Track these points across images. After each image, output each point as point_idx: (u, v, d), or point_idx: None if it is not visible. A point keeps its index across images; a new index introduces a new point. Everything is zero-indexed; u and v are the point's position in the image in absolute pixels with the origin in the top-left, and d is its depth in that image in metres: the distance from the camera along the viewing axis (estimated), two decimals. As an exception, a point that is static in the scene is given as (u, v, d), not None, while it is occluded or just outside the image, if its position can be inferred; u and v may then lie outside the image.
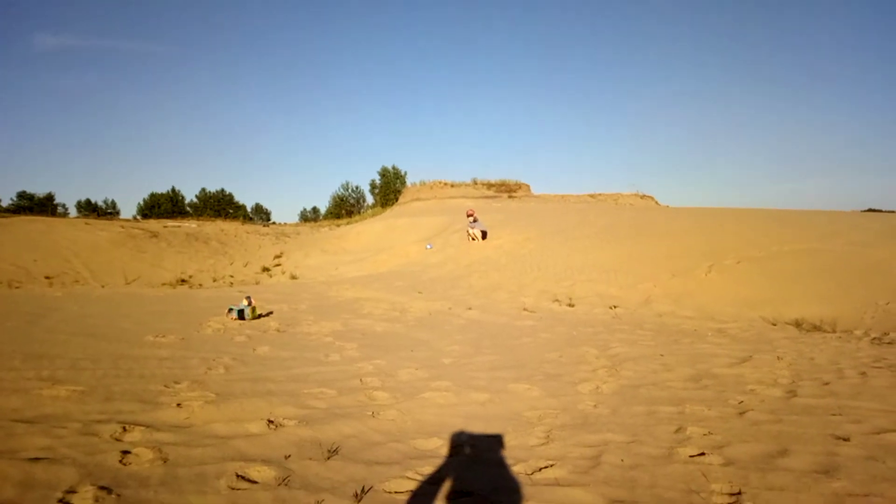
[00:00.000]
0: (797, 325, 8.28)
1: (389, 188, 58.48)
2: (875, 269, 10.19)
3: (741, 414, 3.98)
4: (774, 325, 8.44)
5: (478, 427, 3.78)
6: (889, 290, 9.24)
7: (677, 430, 3.63)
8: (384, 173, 61.11)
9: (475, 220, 18.82)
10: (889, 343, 6.87)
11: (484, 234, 18.57)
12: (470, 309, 9.94)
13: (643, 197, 42.11)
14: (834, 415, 3.91)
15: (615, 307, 10.10)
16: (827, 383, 4.85)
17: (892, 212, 39.34)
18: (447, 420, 3.90)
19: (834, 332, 7.83)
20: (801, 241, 12.41)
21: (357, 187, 66.60)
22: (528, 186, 42.24)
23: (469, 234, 18.81)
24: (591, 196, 42.01)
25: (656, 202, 41.98)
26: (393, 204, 45.57)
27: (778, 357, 6.02)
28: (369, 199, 63.25)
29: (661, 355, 6.16)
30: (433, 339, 7.32)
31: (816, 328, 8.06)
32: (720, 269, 11.21)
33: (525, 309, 10.04)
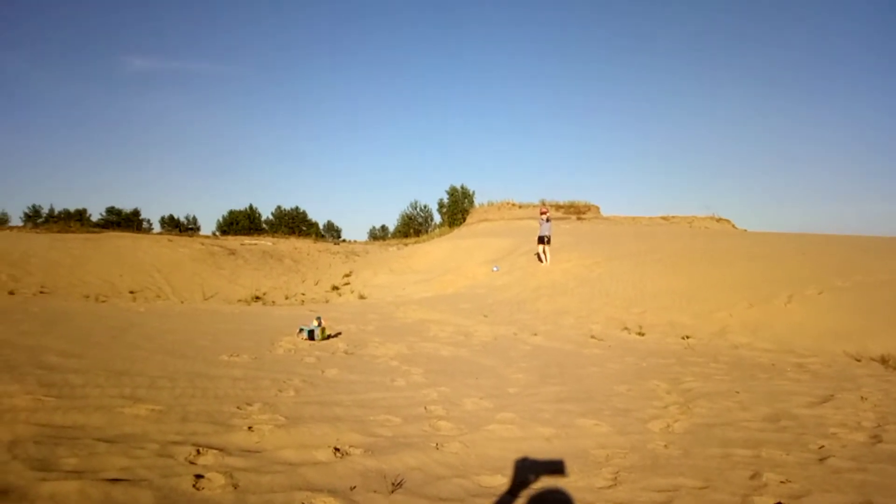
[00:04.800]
0: (883, 361, 7.79)
1: (457, 207, 58.90)
2: (974, 304, 9.49)
3: (821, 460, 3.78)
4: (859, 360, 7.97)
5: (543, 465, 3.72)
6: None
7: (753, 476, 3.48)
8: (452, 192, 61.64)
9: (548, 220, 18.56)
10: None
11: (548, 240, 18.31)
12: (536, 335, 9.85)
13: (719, 220, 40.77)
14: (926, 466, 3.66)
15: (688, 337, 9.78)
16: (918, 429, 4.55)
17: None
18: (511, 455, 3.86)
19: (927, 371, 7.33)
20: (887, 272, 11.71)
21: (425, 206, 67.43)
22: (597, 208, 41.67)
23: (538, 255, 18.65)
24: (664, 218, 41.02)
25: (733, 226, 40.55)
26: (460, 223, 45.84)
27: (862, 397, 5.69)
28: (437, 219, 63.87)
29: (737, 392, 5.92)
30: (498, 365, 7.28)
31: (907, 366, 7.57)
32: (801, 299, 10.69)
33: (593, 336, 9.86)
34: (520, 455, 3.88)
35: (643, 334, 10.13)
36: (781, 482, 3.38)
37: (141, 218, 70.32)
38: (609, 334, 10.14)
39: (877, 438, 4.29)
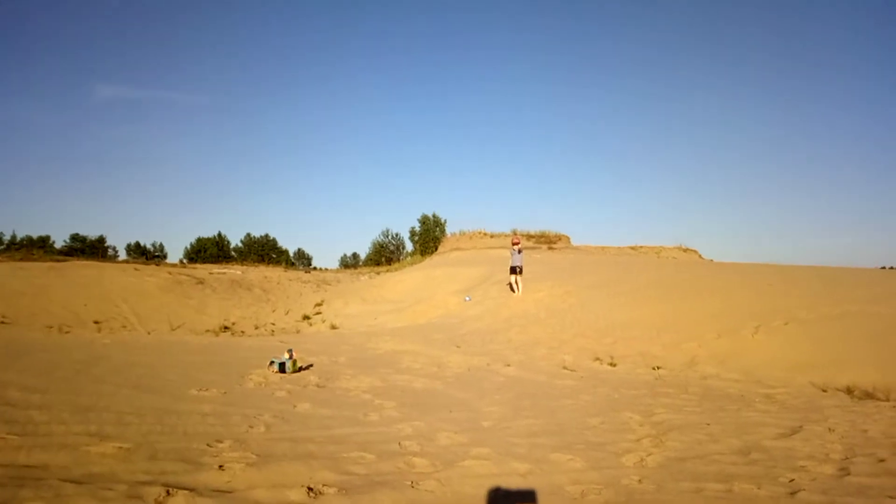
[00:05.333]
0: (849, 392, 7.96)
1: (429, 236, 59.02)
2: (933, 334, 9.77)
3: (792, 494, 3.83)
4: (825, 391, 8.14)
5: (518, 502, 3.71)
6: (948, 357, 8.84)
7: (726, 512, 3.51)
8: (424, 221, 61.79)
9: (519, 251, 18.67)
10: (950, 416, 6.55)
11: (520, 270, 18.40)
12: (509, 365, 9.86)
13: (686, 250, 41.56)
14: (890, 497, 3.74)
15: (658, 368, 9.89)
16: (882, 460, 4.64)
17: (949, 269, 37.87)
18: (488, 492, 3.84)
19: (888, 400, 7.49)
20: (851, 303, 12.01)
21: (397, 234, 67.47)
22: (567, 238, 42.15)
23: (510, 285, 18.74)
24: (633, 248, 41.68)
25: (700, 256, 41.33)
26: (432, 252, 45.91)
27: (829, 428, 5.80)
28: (409, 247, 63.88)
29: (708, 424, 5.99)
30: (472, 398, 7.26)
31: (869, 396, 7.73)
32: (768, 331, 10.90)
33: (565, 367, 9.91)
34: (496, 491, 3.86)
35: (615, 365, 10.21)
36: (754, 517, 3.41)
37: (106, 245, 69.00)
38: (581, 365, 10.20)
39: (845, 471, 4.37)
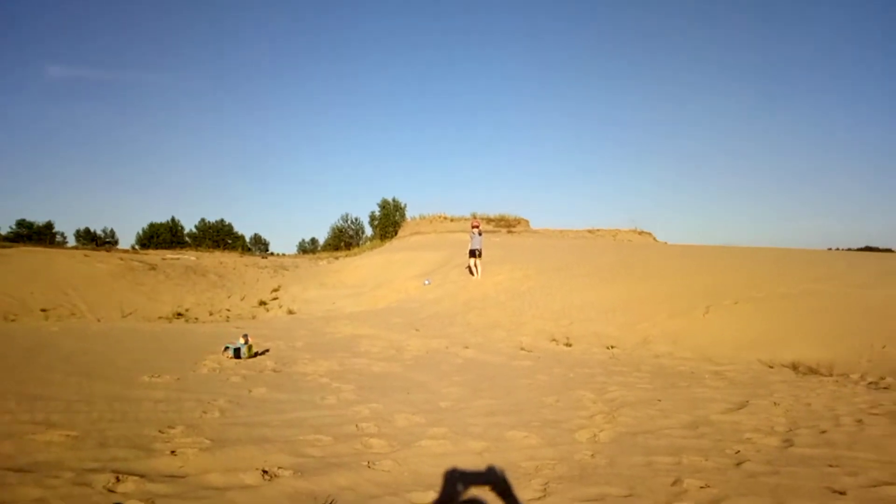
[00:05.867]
0: (794, 367, 8.26)
1: (389, 220, 58.71)
2: (872, 312, 10.19)
3: (738, 465, 3.96)
4: (771, 367, 8.42)
5: (475, 479, 3.75)
6: (886, 333, 9.23)
7: (674, 483, 3.61)
8: (384, 205, 61.40)
9: (479, 233, 18.74)
10: (885, 388, 6.85)
11: (479, 253, 18.50)
12: (467, 348, 9.93)
13: (641, 233, 42.32)
14: (831, 466, 3.89)
15: (613, 347, 10.09)
16: (824, 431, 4.83)
17: (889, 250, 39.55)
18: (444, 471, 3.87)
19: (830, 375, 7.80)
20: (798, 283, 12.43)
21: (356, 219, 66.90)
22: (527, 221, 42.46)
23: (470, 268, 18.82)
24: (590, 231, 42.24)
25: (654, 238, 42.15)
26: (392, 237, 45.76)
27: (775, 403, 6.00)
28: (368, 231, 63.49)
29: (659, 400, 6.14)
30: (430, 380, 7.30)
31: (813, 371, 8.04)
32: (718, 310, 11.21)
33: (522, 348, 10.02)
34: (452, 470, 3.89)
35: (570, 345, 10.38)
36: (701, 487, 3.52)
37: (54, 231, 66.72)
38: (538, 346, 10.34)
39: (788, 442, 4.53)
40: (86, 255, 24.66)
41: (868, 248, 40.65)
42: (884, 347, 8.69)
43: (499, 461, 4.14)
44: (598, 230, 42.66)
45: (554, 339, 10.84)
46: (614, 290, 14.02)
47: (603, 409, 5.76)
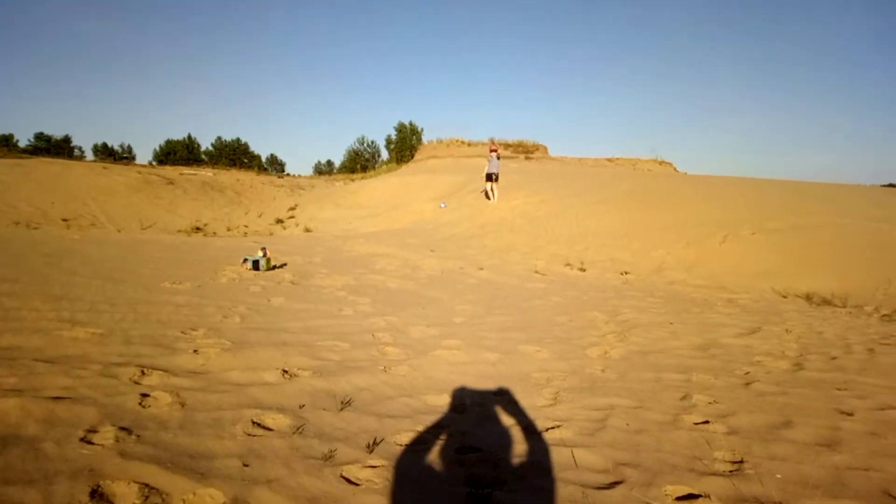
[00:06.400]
0: (808, 298, 8.27)
1: (405, 144, 58.10)
2: (889, 246, 10.08)
3: (747, 385, 4.02)
4: (785, 297, 8.43)
5: (488, 386, 3.85)
6: (903, 267, 9.17)
7: (683, 398, 3.69)
8: (400, 129, 60.64)
9: (497, 157, 18.56)
10: (900, 321, 6.86)
11: (496, 177, 18.37)
12: (482, 269, 9.99)
13: (661, 163, 41.65)
14: (839, 389, 3.95)
15: (627, 273, 10.11)
16: (834, 358, 4.88)
17: (913, 188, 38.69)
18: (458, 378, 3.98)
19: (844, 307, 7.81)
20: (818, 215, 12.27)
21: (373, 142, 66.34)
22: (545, 148, 41.81)
23: (486, 192, 18.73)
24: (609, 160, 41.61)
25: (675, 169, 41.51)
26: (408, 160, 45.37)
27: (787, 329, 6.04)
28: (384, 155, 63.00)
29: (671, 323, 6.20)
30: (445, 297, 7.39)
31: (827, 302, 8.05)
32: (735, 240, 11.14)
33: (537, 271, 10.08)
34: (465, 377, 4.00)
35: (585, 270, 10.41)
36: (709, 403, 3.59)
37: (72, 145, 66.92)
38: (552, 270, 10.39)
39: (799, 366, 4.59)
40: (104, 168, 24.77)
41: (892, 185, 39.86)
42: (901, 281, 8.65)
43: (512, 371, 4.24)
44: (617, 159, 42.00)
45: (568, 264, 10.87)
46: (631, 218, 13.94)
47: (615, 330, 5.83)
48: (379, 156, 65.06)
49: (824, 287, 8.64)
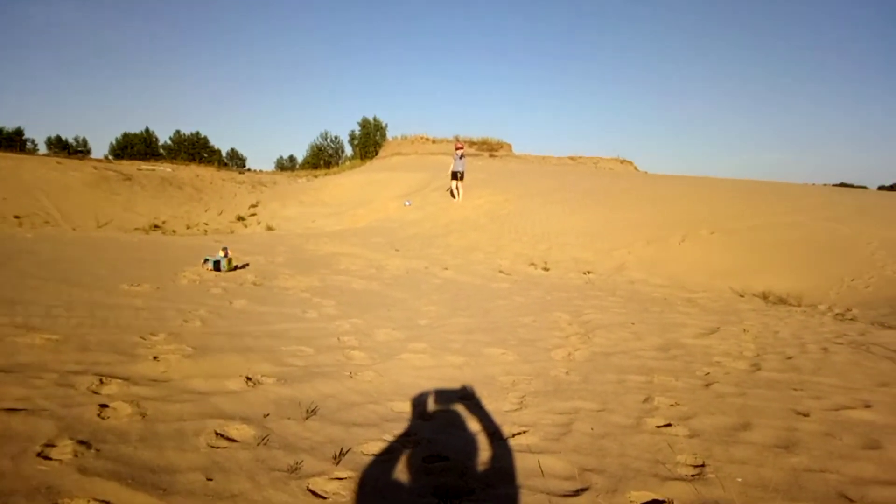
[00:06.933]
0: (764, 297, 8.49)
1: (369, 140, 57.79)
2: (843, 246, 10.43)
3: (707, 386, 4.11)
4: (742, 296, 8.65)
5: (454, 390, 3.86)
6: (855, 266, 9.49)
7: (646, 400, 3.75)
8: (364, 124, 60.28)
9: (462, 156, 18.61)
10: (851, 319, 7.10)
11: (461, 176, 18.43)
12: (446, 269, 10.01)
13: (622, 162, 42.28)
14: (795, 390, 4.06)
15: (589, 273, 10.24)
16: (790, 357, 5.02)
17: (863, 187, 40.11)
18: (424, 383, 3.97)
19: (799, 305, 8.05)
20: (774, 215, 12.62)
21: (336, 137, 65.73)
22: (509, 146, 42.05)
23: (451, 190, 18.75)
24: (572, 158, 42.04)
25: (635, 167, 42.17)
26: (372, 156, 45.16)
27: (744, 329, 6.20)
28: (348, 151, 62.54)
29: (633, 323, 6.30)
30: (410, 298, 7.38)
31: (782, 301, 8.28)
32: (694, 239, 11.39)
33: (501, 271, 10.14)
34: (431, 382, 3.99)
35: (548, 269, 10.51)
36: (671, 405, 3.66)
37: (24, 138, 64.70)
38: (516, 269, 10.46)
39: (756, 367, 4.70)
40: (59, 163, 24.04)
41: (843, 185, 41.19)
42: (852, 280, 8.95)
43: (477, 375, 4.25)
44: (579, 157, 42.47)
45: (532, 263, 10.96)
46: (593, 217, 14.13)
47: (578, 331, 5.90)
48: (343, 151, 64.55)
49: (780, 286, 8.89)
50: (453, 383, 4.02)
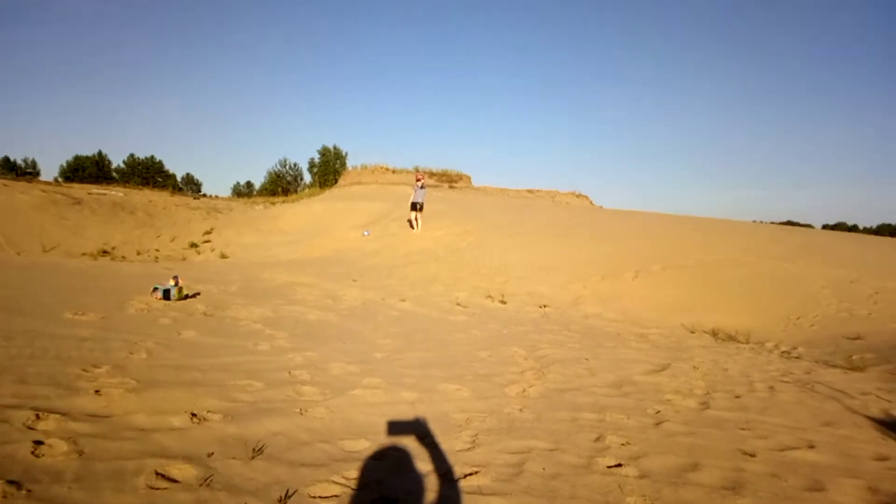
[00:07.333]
0: (714, 334, 8.68)
1: (329, 168, 57.68)
2: (789, 284, 10.77)
3: (657, 424, 4.16)
4: (693, 332, 8.82)
5: (406, 428, 3.80)
6: (801, 304, 9.80)
7: (597, 439, 3.76)
8: (324, 152, 60.20)
9: (422, 187, 18.68)
10: (797, 357, 7.30)
11: (421, 207, 18.48)
12: (404, 300, 9.96)
13: (579, 196, 43.11)
14: (743, 429, 4.13)
15: (545, 306, 10.32)
16: (738, 396, 5.12)
17: (809, 226, 41.66)
18: (376, 420, 3.91)
19: (747, 343, 8.24)
20: (723, 252, 12.98)
21: (295, 165, 65.41)
22: (469, 178, 42.50)
23: (410, 221, 18.78)
24: (530, 191, 42.69)
25: (591, 202, 43.01)
26: (332, 185, 45.03)
27: (694, 367, 6.31)
28: (307, 178, 62.24)
29: (587, 359, 6.35)
30: (366, 330, 7.31)
31: (731, 338, 8.47)
32: (647, 275, 11.61)
33: (459, 304, 10.14)
34: (384, 419, 3.93)
35: (505, 302, 10.56)
36: (622, 444, 3.68)
37: (-31, 158, 62.55)
38: (474, 302, 10.47)
39: (705, 405, 4.78)
40: (5, 185, 23.27)
41: (790, 223, 42.76)
42: (798, 319, 9.22)
43: (431, 412, 4.20)
44: (537, 191, 43.17)
45: (490, 296, 11.00)
46: (550, 251, 14.30)
47: (534, 366, 5.92)
48: (301, 179, 64.20)
49: (729, 323, 9.11)
50: (406, 421, 3.97)
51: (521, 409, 4.41)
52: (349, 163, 55.27)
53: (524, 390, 5.00)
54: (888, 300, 9.74)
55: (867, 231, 40.53)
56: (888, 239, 27.76)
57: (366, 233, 19.57)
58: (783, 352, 7.66)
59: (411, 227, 18.73)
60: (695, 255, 12.84)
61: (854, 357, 7.11)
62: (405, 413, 4.14)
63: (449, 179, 40.70)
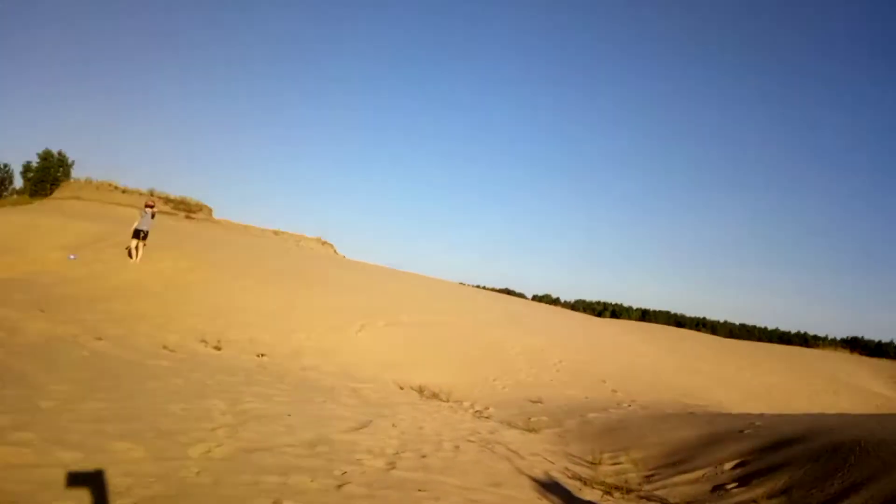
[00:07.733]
0: (420, 391, 9.14)
1: (49, 176, 50.38)
2: (494, 348, 11.87)
3: (339, 487, 4.17)
4: (402, 388, 9.20)
5: (49, 500, 3.28)
6: (500, 367, 10.83)
7: (273, 505, 3.64)
8: (46, 156, 52.53)
9: (152, 215, 16.97)
10: (487, 417, 7.98)
11: (145, 235, 16.87)
12: (100, 339, 8.87)
13: (324, 243, 43.27)
14: (420, 490, 4.33)
15: (263, 355, 9.98)
16: (424, 456, 5.39)
17: (521, 295, 46.91)
18: (18, 488, 3.32)
19: (448, 401, 8.81)
20: (441, 314, 13.92)
21: (6, 166, 56.01)
22: (210, 209, 40.27)
23: (130, 250, 17.00)
24: (275, 232, 41.78)
25: (335, 250, 43.45)
26: (45, 195, 39.38)
27: (393, 424, 6.53)
28: (18, 183, 53.62)
29: (289, 415, 6.21)
30: (39, 372, 6.31)
31: (435, 396, 8.99)
32: (370, 329, 11.92)
33: (165, 347, 9.31)
34: (24, 486, 3.36)
35: (220, 349, 9.98)
36: (297, 509, 3.60)
37: None
38: (185, 346, 9.72)
39: (392, 465, 4.94)
40: None
41: (507, 291, 47.65)
42: (495, 380, 10.15)
43: (88, 478, 3.71)
44: (283, 232, 42.41)
45: (204, 340, 10.31)
46: (280, 297, 13.99)
47: (230, 422, 5.61)
48: (10, 183, 55.05)
49: (435, 381, 9.68)
50: (52, 489, 3.44)
51: (198, 473, 4.11)
52: (73, 174, 48.92)
53: (209, 450, 4.68)
54: (567, 369, 11.22)
55: (566, 305, 46.91)
56: (578, 314, 32.47)
57: (72, 256, 17.24)
58: (477, 411, 8.32)
59: (130, 256, 16.99)
60: (418, 313, 13.56)
61: (532, 419, 7.98)
62: (53, 479, 3.58)
63: (187, 208, 38.10)
